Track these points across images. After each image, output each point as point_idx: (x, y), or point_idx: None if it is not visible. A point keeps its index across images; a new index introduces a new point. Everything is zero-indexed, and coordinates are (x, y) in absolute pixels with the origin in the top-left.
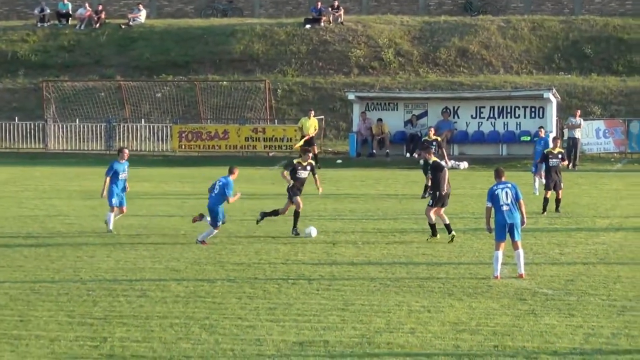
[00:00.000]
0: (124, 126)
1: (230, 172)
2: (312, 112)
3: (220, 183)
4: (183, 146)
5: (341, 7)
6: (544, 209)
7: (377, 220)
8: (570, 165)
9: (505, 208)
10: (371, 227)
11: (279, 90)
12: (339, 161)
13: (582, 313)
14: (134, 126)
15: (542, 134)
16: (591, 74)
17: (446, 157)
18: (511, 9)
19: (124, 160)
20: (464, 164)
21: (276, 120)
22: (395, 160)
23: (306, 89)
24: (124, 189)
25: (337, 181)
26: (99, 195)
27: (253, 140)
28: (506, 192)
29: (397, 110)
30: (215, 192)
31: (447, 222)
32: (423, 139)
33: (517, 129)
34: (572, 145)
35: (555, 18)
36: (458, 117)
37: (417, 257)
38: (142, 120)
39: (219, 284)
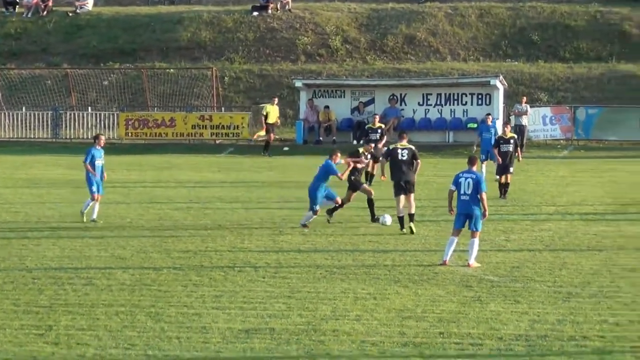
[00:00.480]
0: (70, 114)
1: (331, 156)
2: (276, 99)
3: (321, 166)
4: (130, 134)
5: None
6: (503, 194)
7: (322, 209)
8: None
9: (463, 198)
10: (318, 214)
11: (226, 77)
12: (286, 148)
13: (527, 300)
14: (81, 114)
15: (489, 122)
16: (538, 61)
17: (381, 144)
18: None
19: (100, 147)
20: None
21: (223, 108)
22: (341, 147)
23: (253, 76)
24: (102, 177)
25: (284, 168)
26: (44, 184)
27: (200, 128)
28: (468, 183)
29: (344, 97)
30: (317, 175)
31: (402, 215)
32: (367, 126)
33: (464, 116)
34: (519, 132)
35: (502, 5)
36: (405, 104)
37: (363, 245)
38: (89, 108)
39: (164, 271)
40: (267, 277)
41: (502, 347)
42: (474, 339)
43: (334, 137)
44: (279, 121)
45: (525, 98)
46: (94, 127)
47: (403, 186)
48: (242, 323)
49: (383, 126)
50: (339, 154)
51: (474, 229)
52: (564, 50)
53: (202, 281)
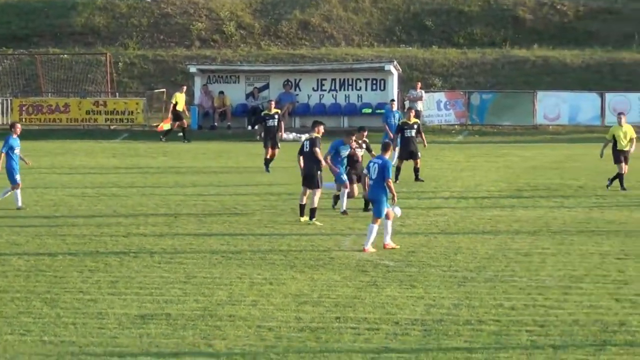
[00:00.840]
0: None
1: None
2: (185, 87)
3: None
4: (24, 119)
5: None
6: (397, 178)
7: (218, 195)
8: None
9: (368, 182)
10: (213, 200)
11: (120, 63)
12: (181, 134)
13: (423, 284)
14: None
15: (394, 108)
16: (432, 47)
17: (282, 130)
18: None
19: (16, 135)
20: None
21: (117, 94)
22: (236, 133)
23: (147, 62)
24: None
25: (178, 154)
26: None
27: (94, 114)
28: (375, 168)
29: (238, 83)
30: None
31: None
32: (263, 112)
33: (358, 101)
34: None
35: None
36: (300, 90)
37: (259, 230)
38: None
39: (60, 257)
40: (162, 262)
41: (399, 331)
42: (370, 324)
43: (229, 123)
44: (186, 109)
45: (419, 84)
46: None
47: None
48: (138, 309)
49: (279, 112)
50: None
51: (376, 215)
52: (458, 36)
53: (97, 267)
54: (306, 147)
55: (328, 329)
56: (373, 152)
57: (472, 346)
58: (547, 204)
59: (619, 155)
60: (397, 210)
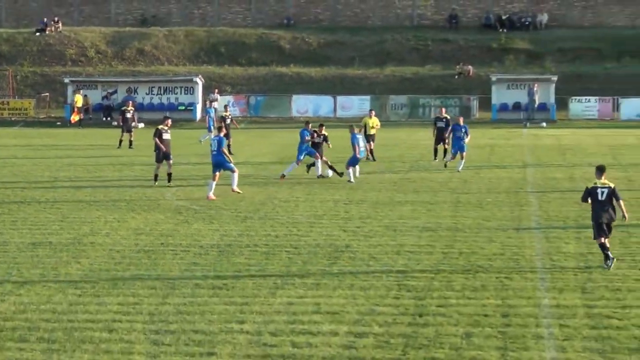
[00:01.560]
0: None
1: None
2: (82, 90)
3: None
4: None
5: (59, 21)
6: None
7: (84, 164)
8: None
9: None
10: (81, 166)
11: (18, 76)
12: (58, 123)
13: (219, 221)
14: None
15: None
16: (224, 65)
17: (136, 121)
18: (172, 23)
19: None
20: (141, 125)
21: (16, 96)
22: (96, 122)
23: (37, 75)
24: None
25: (57, 136)
26: None
27: (1, 110)
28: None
29: (97, 89)
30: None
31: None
32: (123, 108)
33: (176, 101)
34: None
35: (200, 28)
36: (137, 94)
37: (110, 183)
38: None
39: None
40: (47, 208)
41: (202, 252)
42: (183, 247)
43: (90, 116)
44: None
45: (217, 90)
46: None
47: None
48: (30, 238)
49: (132, 109)
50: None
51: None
52: (242, 58)
53: (2, 211)
54: (165, 133)
55: (156, 251)
56: (329, 143)
57: (249, 262)
58: (301, 168)
59: (367, 138)
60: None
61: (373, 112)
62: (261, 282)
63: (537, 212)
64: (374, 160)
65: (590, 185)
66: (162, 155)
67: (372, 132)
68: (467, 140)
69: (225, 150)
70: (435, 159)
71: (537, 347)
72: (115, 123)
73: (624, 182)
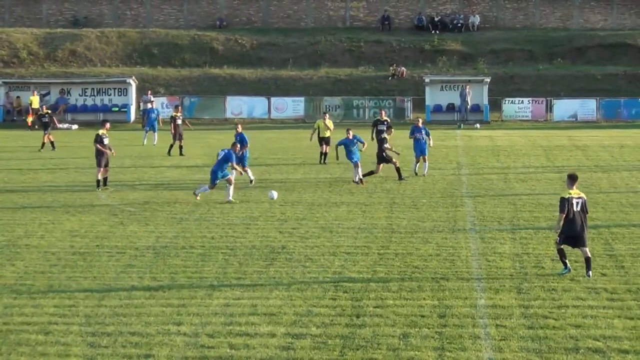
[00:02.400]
0: None
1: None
2: (36, 92)
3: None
4: None
5: None
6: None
7: (17, 167)
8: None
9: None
10: (14, 167)
11: None
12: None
13: (154, 223)
14: None
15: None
16: (157, 67)
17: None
18: (104, 24)
19: None
20: (75, 126)
21: None
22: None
23: None
24: None
25: None
26: None
27: None
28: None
29: (29, 90)
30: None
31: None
32: (43, 112)
33: (109, 102)
34: (145, 113)
35: (133, 30)
36: (70, 95)
37: (46, 186)
38: None
39: None
40: None
41: (138, 254)
42: (119, 249)
43: (23, 118)
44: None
45: (150, 91)
46: None
47: None
48: None
49: (49, 112)
50: (238, 146)
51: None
52: (175, 59)
53: None
54: (105, 139)
55: (92, 253)
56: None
57: (185, 263)
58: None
59: (321, 141)
60: (274, 194)
61: (327, 115)
62: (198, 284)
63: (472, 213)
64: (325, 163)
65: (566, 195)
66: (103, 161)
67: (327, 134)
68: (430, 142)
69: (237, 167)
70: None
71: (474, 347)
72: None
73: (558, 183)
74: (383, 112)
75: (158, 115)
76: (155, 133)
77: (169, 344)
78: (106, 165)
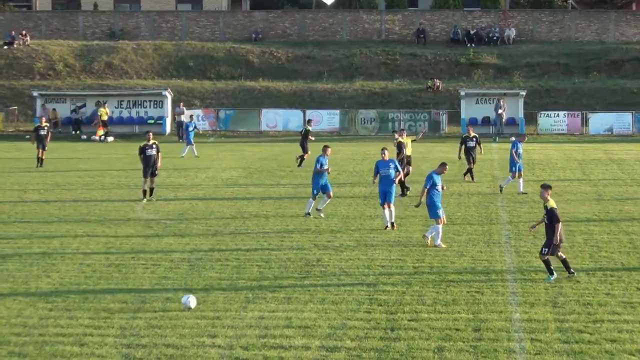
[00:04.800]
0: None
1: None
2: (106, 104)
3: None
4: None
5: (27, 34)
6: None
7: (53, 173)
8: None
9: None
10: (50, 178)
11: None
12: (27, 137)
13: (189, 235)
14: None
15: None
16: (193, 79)
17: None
18: (140, 36)
19: None
20: (110, 138)
21: None
22: (65, 136)
23: (5, 88)
24: None
25: (22, 148)
26: None
27: None
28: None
29: (65, 102)
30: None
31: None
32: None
33: (145, 115)
34: (179, 125)
35: (169, 42)
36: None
37: (81, 199)
38: None
39: None
40: (16, 222)
41: (173, 266)
42: (154, 261)
43: (60, 129)
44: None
45: (182, 103)
46: None
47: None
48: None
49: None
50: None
51: (433, 217)
52: (210, 72)
53: None
54: (148, 150)
55: (127, 265)
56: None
57: (220, 276)
58: (269, 182)
59: (402, 161)
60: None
61: (404, 132)
62: (232, 296)
63: (507, 227)
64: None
65: (555, 205)
66: (148, 171)
67: (409, 152)
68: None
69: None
70: (473, 180)
71: None
72: (85, 137)
73: (593, 196)
74: (471, 129)
75: (195, 128)
76: (191, 146)
77: (204, 356)
78: (152, 176)
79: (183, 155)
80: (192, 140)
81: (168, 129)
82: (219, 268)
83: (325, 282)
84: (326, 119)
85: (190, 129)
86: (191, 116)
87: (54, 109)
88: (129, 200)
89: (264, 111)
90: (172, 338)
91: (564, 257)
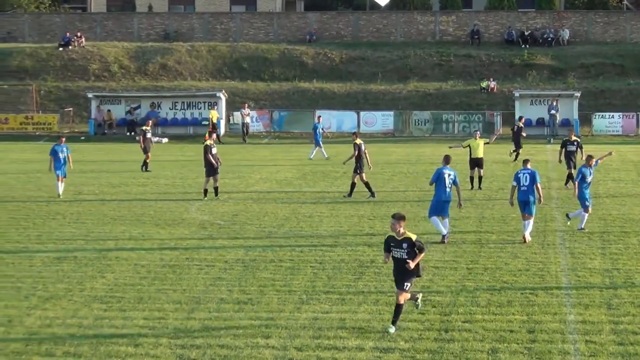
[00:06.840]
0: None
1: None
2: (216, 106)
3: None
4: None
5: (82, 36)
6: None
7: (111, 173)
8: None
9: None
10: (106, 179)
11: (42, 91)
12: (82, 138)
13: (242, 236)
14: None
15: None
16: (247, 81)
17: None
18: (194, 38)
19: None
20: (165, 140)
21: (40, 111)
22: (120, 137)
23: (60, 90)
24: None
25: (81, 152)
26: None
27: (25, 125)
28: (526, 177)
29: (120, 104)
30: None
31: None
32: (143, 127)
33: (199, 116)
34: (243, 125)
35: (223, 44)
36: (161, 109)
37: (136, 198)
38: None
39: None
40: (71, 222)
41: (227, 267)
42: (208, 262)
43: (114, 131)
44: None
45: (246, 104)
46: None
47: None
48: (55, 252)
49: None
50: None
51: (528, 213)
52: (264, 74)
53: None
54: (214, 149)
55: (181, 266)
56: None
57: (274, 277)
58: (324, 183)
59: (474, 163)
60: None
61: (478, 133)
62: (286, 297)
63: (562, 228)
64: (480, 188)
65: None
66: (212, 171)
67: (480, 154)
68: (582, 156)
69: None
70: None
71: None
72: (139, 138)
73: None
74: (572, 133)
75: (322, 129)
76: (319, 148)
77: (257, 357)
78: (215, 175)
79: (311, 157)
80: (320, 141)
81: (222, 130)
82: (273, 269)
83: (379, 283)
84: (380, 121)
85: (319, 130)
86: (319, 117)
87: (108, 110)
88: (183, 200)
89: (318, 112)
90: (226, 339)
91: None
